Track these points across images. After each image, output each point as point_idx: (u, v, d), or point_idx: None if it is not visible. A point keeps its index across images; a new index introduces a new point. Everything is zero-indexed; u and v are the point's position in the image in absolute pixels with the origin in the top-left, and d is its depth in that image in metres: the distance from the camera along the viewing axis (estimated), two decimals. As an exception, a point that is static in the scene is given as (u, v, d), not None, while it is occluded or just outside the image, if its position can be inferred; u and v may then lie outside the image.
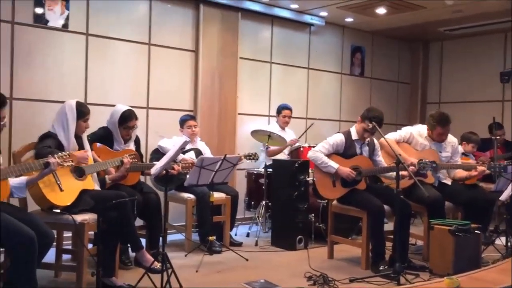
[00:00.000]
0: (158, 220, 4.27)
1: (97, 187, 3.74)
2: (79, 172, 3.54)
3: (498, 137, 5.95)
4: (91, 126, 4.29)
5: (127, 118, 4.19)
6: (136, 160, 4.07)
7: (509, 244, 4.64)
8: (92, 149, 3.91)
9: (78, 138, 3.69)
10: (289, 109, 6.12)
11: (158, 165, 3.50)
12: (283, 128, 6.14)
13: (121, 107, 4.24)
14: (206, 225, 4.68)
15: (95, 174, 3.78)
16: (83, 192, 3.51)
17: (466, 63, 7.76)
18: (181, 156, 4.75)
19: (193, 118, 5.24)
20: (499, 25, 6.79)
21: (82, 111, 3.70)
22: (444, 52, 8.08)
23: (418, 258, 4.63)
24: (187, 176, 4.40)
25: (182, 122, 5.15)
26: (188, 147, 5.05)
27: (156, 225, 4.27)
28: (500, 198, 4.61)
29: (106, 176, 3.93)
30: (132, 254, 4.04)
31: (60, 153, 3.06)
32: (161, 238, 3.93)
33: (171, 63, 5.64)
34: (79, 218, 3.38)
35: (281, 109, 6.12)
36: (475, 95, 7.57)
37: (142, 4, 5.42)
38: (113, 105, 4.34)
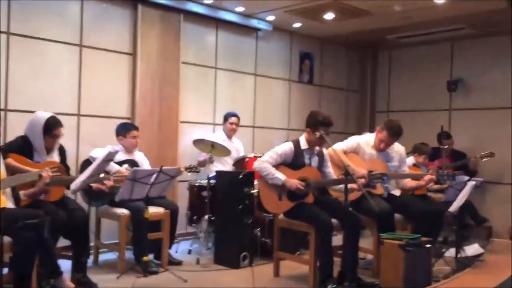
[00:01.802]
0: (85, 241, 3.84)
1: (10, 204, 3.28)
2: (-14, 189, 3.08)
3: (446, 146, 5.88)
4: (11, 136, 3.88)
5: (52, 126, 3.80)
6: (59, 173, 3.63)
7: (459, 256, 4.54)
8: (6, 158, 3.45)
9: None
10: (236, 116, 5.82)
11: (78, 180, 3.10)
12: (229, 137, 5.82)
13: (43, 114, 3.82)
14: (141, 243, 4.27)
15: (8, 190, 3.33)
16: (-9, 212, 3.04)
17: (414, 72, 7.73)
18: (116, 168, 4.36)
19: (137, 128, 4.84)
20: (446, 33, 6.79)
21: None
22: (393, 60, 8.03)
23: (368, 274, 4.41)
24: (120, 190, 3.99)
25: (125, 131, 4.73)
26: (124, 157, 4.66)
27: (83, 246, 3.84)
28: (449, 209, 4.52)
29: (21, 192, 3.47)
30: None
31: None
32: (89, 260, 3.52)
33: (106, 66, 5.22)
34: (-16, 241, 2.91)
35: (227, 116, 5.81)
36: (423, 104, 7.54)
37: (73, 2, 4.97)
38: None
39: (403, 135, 4.61)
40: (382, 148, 4.57)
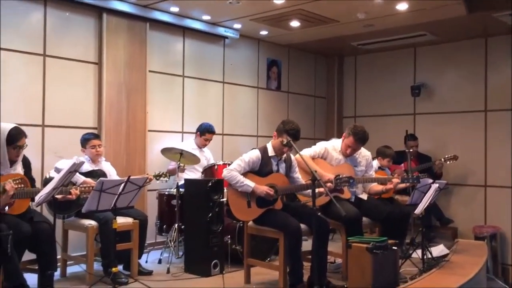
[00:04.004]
0: (51, 253, 3.75)
1: (-28, 219, 3.20)
2: None
3: (411, 150, 6.02)
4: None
5: (16, 137, 3.70)
6: (22, 185, 3.56)
7: (425, 257, 4.62)
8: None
9: None
10: (213, 132, 5.80)
11: (42, 192, 3.05)
12: (199, 147, 5.81)
13: (6, 125, 3.73)
14: (109, 254, 4.21)
15: (-30, 203, 3.24)
16: (-49, 227, 2.97)
17: (378, 77, 7.90)
18: (81, 179, 4.29)
19: (97, 137, 4.79)
20: (410, 40, 6.96)
21: None
22: (358, 66, 8.18)
23: (337, 277, 4.47)
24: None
25: (84, 141, 4.69)
26: (90, 168, 4.60)
27: (49, 259, 3.75)
28: (415, 212, 4.60)
29: (-16, 206, 3.39)
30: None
31: None
32: (56, 273, 3.44)
33: (71, 76, 5.15)
34: None
35: (205, 131, 5.75)
36: (388, 109, 7.70)
37: (35, 11, 4.89)
38: (-1, 123, 3.80)
39: (369, 140, 4.70)
40: (349, 153, 4.64)
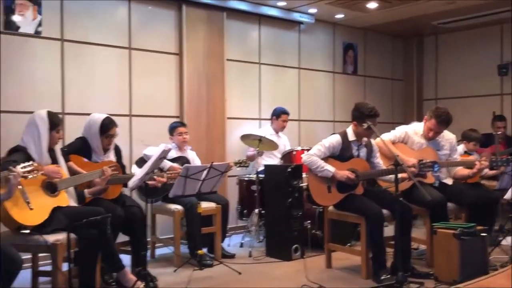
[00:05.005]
0: (142, 236, 3.97)
1: (72, 203, 3.46)
2: (51, 188, 3.26)
3: (499, 132, 5.72)
4: (69, 137, 4.06)
5: (108, 126, 3.94)
6: (117, 171, 3.80)
7: (516, 244, 4.43)
8: (67, 161, 3.63)
9: (50, 150, 3.44)
10: (288, 113, 5.86)
11: (135, 177, 3.23)
12: (277, 132, 5.87)
13: (99, 116, 3.98)
14: (195, 237, 4.40)
15: (71, 189, 3.51)
16: (56, 210, 3.23)
17: (462, 57, 7.53)
18: (169, 164, 4.50)
19: (183, 125, 5.00)
20: (495, 16, 6.57)
21: (55, 122, 3.45)
22: (439, 46, 7.85)
23: (421, 264, 4.37)
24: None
25: (172, 129, 4.92)
26: (176, 155, 4.80)
27: (141, 241, 3.96)
28: (504, 197, 4.41)
29: (85, 190, 3.65)
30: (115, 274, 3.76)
31: (22, 164, 2.78)
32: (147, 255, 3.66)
33: (154, 67, 5.37)
34: (51, 238, 3.10)
35: (280, 113, 5.83)
36: (473, 90, 7.34)
37: (121, 7, 5.15)
38: (93, 114, 4.08)
39: (453, 123, 4.52)
40: (431, 136, 4.50)
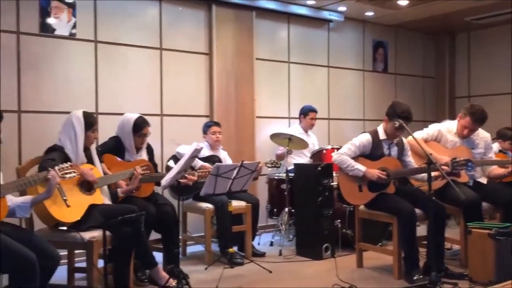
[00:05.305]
0: (174, 233, 4.02)
1: (107, 201, 3.53)
2: (86, 186, 3.34)
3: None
4: (102, 137, 4.13)
5: (141, 125, 4.02)
6: (148, 170, 3.86)
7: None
8: (102, 161, 3.71)
9: (86, 150, 3.51)
10: (316, 111, 5.84)
11: (168, 176, 3.28)
12: (306, 131, 5.86)
13: (132, 115, 4.06)
14: (226, 236, 4.44)
15: (105, 187, 3.58)
16: (92, 208, 3.30)
17: (495, 53, 7.36)
18: (200, 163, 4.54)
19: (217, 124, 5.04)
20: (531, 10, 6.39)
21: (90, 122, 3.52)
22: (471, 43, 7.69)
23: (455, 264, 4.29)
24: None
25: (206, 128, 4.98)
26: (208, 154, 4.84)
27: (173, 239, 4.02)
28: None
29: (118, 190, 3.72)
30: (148, 271, 3.82)
31: (60, 165, 2.85)
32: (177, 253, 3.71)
33: (185, 67, 5.43)
34: (87, 235, 3.18)
35: (308, 111, 5.82)
36: (507, 87, 7.15)
37: (152, 8, 5.22)
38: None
39: (487, 121, 4.43)
40: (465, 134, 4.41)
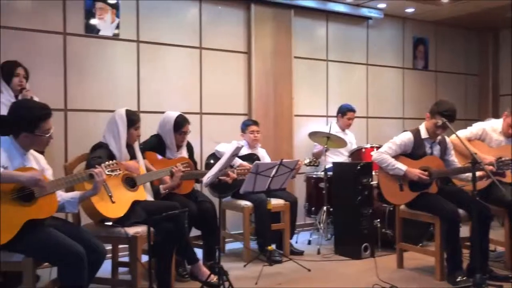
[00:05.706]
0: (214, 230, 4.08)
1: (149, 197, 3.61)
2: (130, 183, 3.42)
3: None
4: (144, 135, 4.21)
5: (181, 124, 4.09)
6: (189, 168, 3.92)
7: None
8: (144, 158, 3.80)
9: (129, 147, 3.60)
10: (354, 111, 5.79)
11: (210, 173, 3.32)
12: (343, 130, 5.82)
13: (172, 114, 4.13)
14: (265, 234, 4.46)
15: (148, 184, 3.66)
16: (135, 204, 3.38)
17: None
18: (238, 162, 4.58)
19: (256, 123, 5.07)
20: None
21: (133, 119, 3.60)
22: (517, 39, 7.45)
23: (499, 266, 4.18)
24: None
25: (245, 126, 5.01)
26: (246, 152, 4.88)
27: (212, 236, 4.08)
28: None
29: (160, 186, 3.80)
30: (189, 266, 3.89)
31: (106, 162, 2.94)
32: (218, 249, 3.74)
33: (224, 66, 5.48)
34: (131, 230, 3.25)
35: (346, 110, 5.77)
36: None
37: (192, 8, 5.29)
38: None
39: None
40: (511, 133, 4.29)
